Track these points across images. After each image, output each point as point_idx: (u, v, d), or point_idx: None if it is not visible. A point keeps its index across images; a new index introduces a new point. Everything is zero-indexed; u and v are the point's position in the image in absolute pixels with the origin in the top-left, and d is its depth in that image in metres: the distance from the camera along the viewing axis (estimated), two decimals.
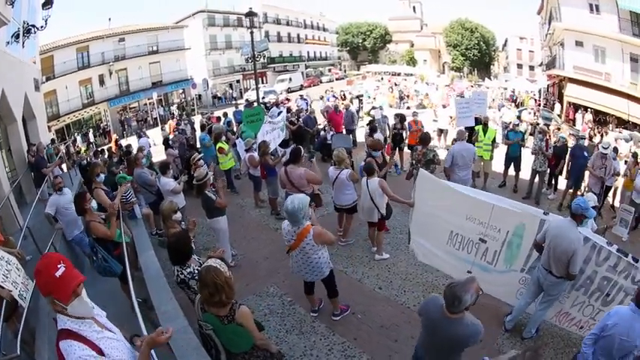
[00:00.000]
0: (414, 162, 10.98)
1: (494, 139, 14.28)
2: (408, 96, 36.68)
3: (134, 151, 13.07)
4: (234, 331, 4.14)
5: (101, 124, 38.92)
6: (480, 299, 7.70)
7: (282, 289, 8.12)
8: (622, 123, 31.32)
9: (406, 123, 15.70)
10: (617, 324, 4.64)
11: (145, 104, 42.56)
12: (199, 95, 45.32)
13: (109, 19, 77.97)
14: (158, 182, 10.23)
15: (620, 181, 13.07)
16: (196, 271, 5.25)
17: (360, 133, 18.95)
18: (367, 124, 15.75)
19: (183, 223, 7.40)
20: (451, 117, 19.40)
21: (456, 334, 4.19)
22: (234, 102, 40.60)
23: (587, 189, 12.61)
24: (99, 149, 20.41)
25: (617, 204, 13.57)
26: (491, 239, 7.21)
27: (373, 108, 21.24)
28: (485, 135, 13.66)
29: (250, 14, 24.15)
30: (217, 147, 13.48)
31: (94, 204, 7.28)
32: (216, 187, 8.66)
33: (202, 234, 10.64)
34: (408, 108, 29.93)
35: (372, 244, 9.49)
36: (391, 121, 16.12)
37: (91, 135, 35.23)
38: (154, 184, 10.37)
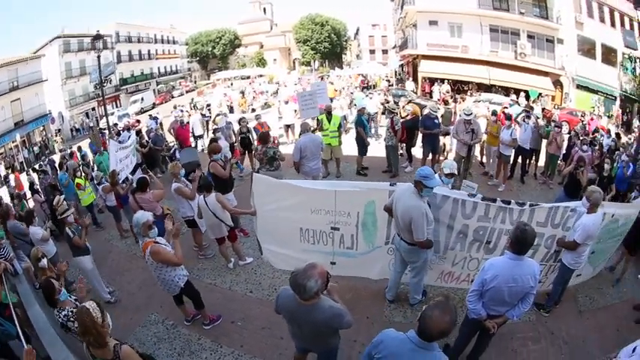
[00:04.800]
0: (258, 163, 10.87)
1: (340, 125, 14.51)
2: (254, 98, 36.53)
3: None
4: None
5: None
6: (357, 279, 7.81)
7: (161, 315, 7.90)
8: (483, 88, 34.27)
9: (251, 127, 15.77)
10: (497, 275, 4.66)
11: (11, 148, 39.00)
12: (59, 130, 42.64)
13: None
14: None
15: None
16: (70, 313, 5.41)
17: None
18: (213, 132, 15.62)
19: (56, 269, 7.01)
20: (295, 111, 19.40)
21: (317, 320, 4.25)
22: (90, 132, 38.61)
23: (452, 154, 13.10)
24: None
25: (484, 160, 14.82)
26: (343, 225, 7.20)
27: (217, 115, 20.95)
28: (330, 122, 13.75)
29: (97, 37, 23.16)
30: (75, 183, 12.85)
31: None
32: (82, 226, 8.32)
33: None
34: (254, 110, 29.98)
35: (227, 260, 9.26)
36: (237, 127, 15.91)
37: None
38: (27, 233, 9.58)
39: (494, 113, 14.02)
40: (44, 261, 6.71)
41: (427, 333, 3.46)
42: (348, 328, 4.43)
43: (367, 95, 23.68)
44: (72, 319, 5.29)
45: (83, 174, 13.75)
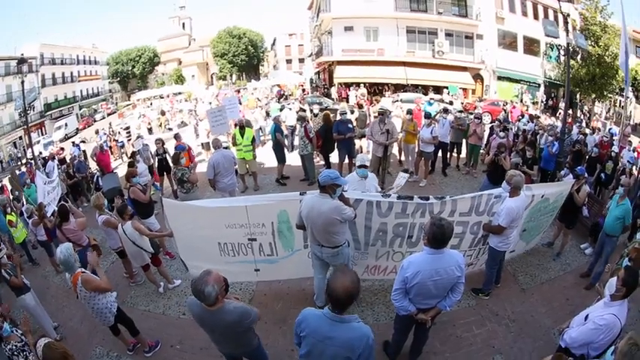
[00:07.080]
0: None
1: (254, 138, 14.48)
2: (172, 116, 36.21)
3: None
4: None
5: None
6: (284, 288, 8.20)
7: (105, 347, 7.64)
8: (401, 87, 34.84)
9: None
10: (419, 271, 4.64)
11: None
12: None
13: None
14: None
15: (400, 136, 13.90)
16: (15, 347, 5.31)
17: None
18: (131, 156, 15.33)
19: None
20: (207, 129, 19.01)
21: (225, 322, 4.38)
22: (19, 163, 36.84)
23: (369, 156, 13.23)
24: None
25: (403, 157, 14.93)
26: (259, 235, 7.36)
27: (137, 137, 20.53)
28: (243, 137, 13.69)
29: (22, 61, 22.19)
30: (7, 220, 12.20)
31: None
32: (15, 264, 8.06)
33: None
34: (170, 129, 29.63)
35: (156, 285, 9.12)
36: (154, 148, 15.25)
37: None
38: None
39: (409, 112, 14.27)
40: None
41: (336, 299, 3.65)
42: (257, 320, 4.65)
43: (287, 107, 23.39)
44: (16, 352, 5.26)
45: (14, 210, 13.29)
